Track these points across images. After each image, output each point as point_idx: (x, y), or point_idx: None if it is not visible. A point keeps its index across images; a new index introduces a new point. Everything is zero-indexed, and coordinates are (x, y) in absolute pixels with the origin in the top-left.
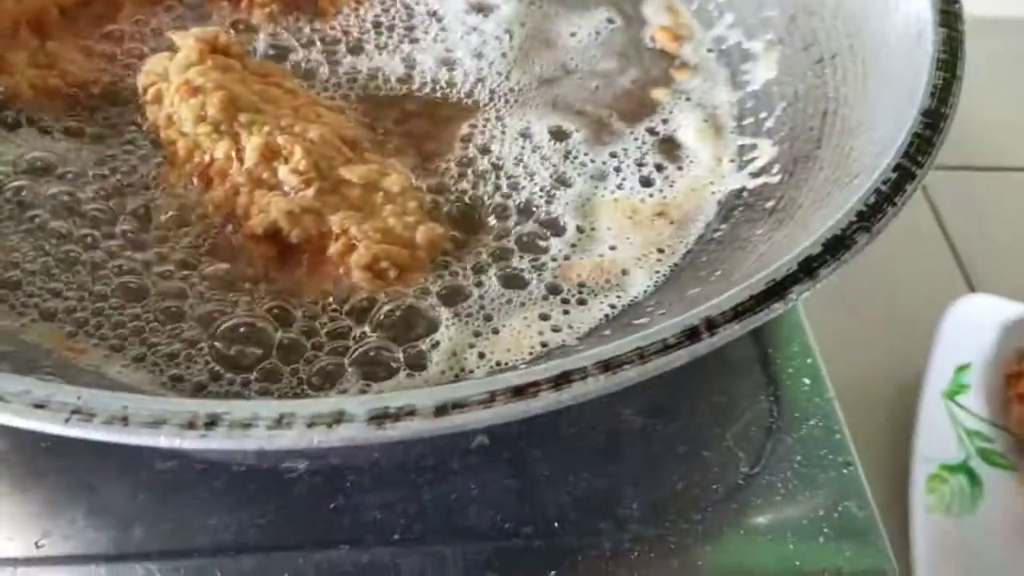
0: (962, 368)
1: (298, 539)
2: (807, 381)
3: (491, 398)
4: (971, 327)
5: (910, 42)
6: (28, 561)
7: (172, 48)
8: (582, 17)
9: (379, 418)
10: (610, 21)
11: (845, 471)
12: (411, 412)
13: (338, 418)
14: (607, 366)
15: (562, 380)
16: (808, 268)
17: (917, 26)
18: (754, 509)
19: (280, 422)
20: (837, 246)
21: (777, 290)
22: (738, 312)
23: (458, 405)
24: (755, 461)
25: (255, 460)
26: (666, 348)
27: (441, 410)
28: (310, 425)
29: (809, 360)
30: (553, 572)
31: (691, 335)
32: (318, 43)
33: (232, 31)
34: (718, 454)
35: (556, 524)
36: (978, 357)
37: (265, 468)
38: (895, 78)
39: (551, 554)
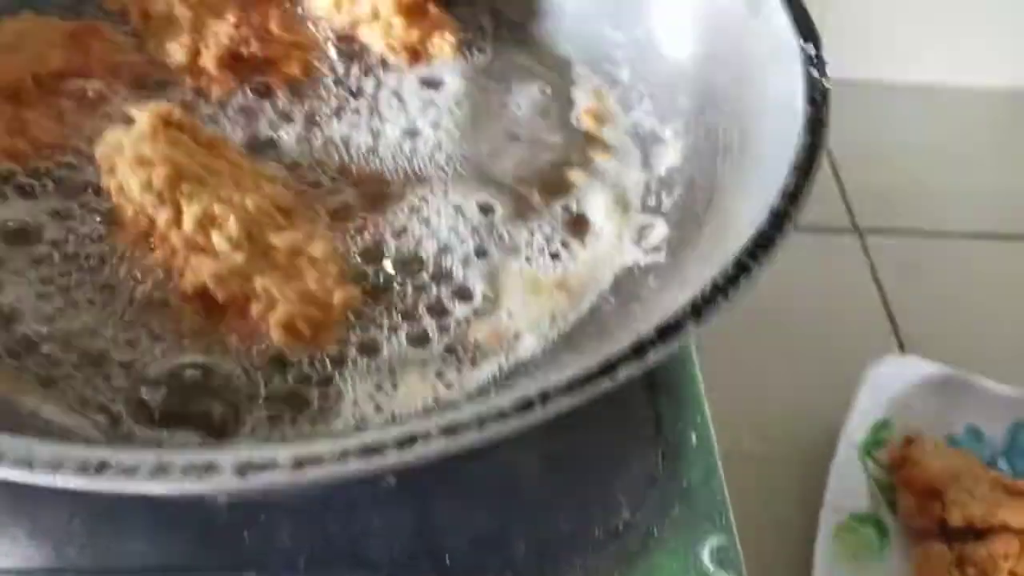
0: (881, 424)
1: (213, 563)
2: (695, 438)
3: (344, 455)
4: (895, 385)
5: (784, 141)
6: None
7: (129, 121)
8: (518, 93)
9: (243, 469)
10: (542, 92)
11: (718, 521)
12: (272, 465)
13: (209, 468)
14: (448, 430)
15: (406, 442)
16: (639, 350)
17: (793, 127)
18: (630, 554)
19: (159, 470)
20: (667, 333)
21: (608, 370)
22: (571, 386)
23: (314, 460)
24: (636, 508)
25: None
26: (502, 416)
27: (299, 464)
28: (184, 473)
29: (699, 418)
30: None
31: (526, 405)
32: (287, 116)
33: (203, 99)
34: (603, 502)
35: (448, 560)
36: (897, 415)
37: (190, 500)
38: (769, 175)
39: None
